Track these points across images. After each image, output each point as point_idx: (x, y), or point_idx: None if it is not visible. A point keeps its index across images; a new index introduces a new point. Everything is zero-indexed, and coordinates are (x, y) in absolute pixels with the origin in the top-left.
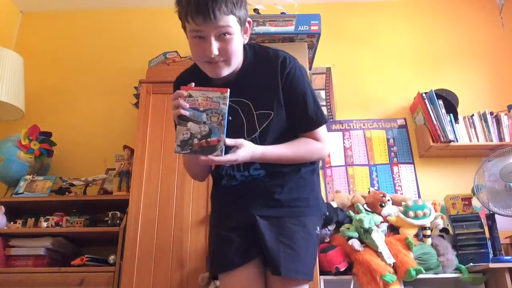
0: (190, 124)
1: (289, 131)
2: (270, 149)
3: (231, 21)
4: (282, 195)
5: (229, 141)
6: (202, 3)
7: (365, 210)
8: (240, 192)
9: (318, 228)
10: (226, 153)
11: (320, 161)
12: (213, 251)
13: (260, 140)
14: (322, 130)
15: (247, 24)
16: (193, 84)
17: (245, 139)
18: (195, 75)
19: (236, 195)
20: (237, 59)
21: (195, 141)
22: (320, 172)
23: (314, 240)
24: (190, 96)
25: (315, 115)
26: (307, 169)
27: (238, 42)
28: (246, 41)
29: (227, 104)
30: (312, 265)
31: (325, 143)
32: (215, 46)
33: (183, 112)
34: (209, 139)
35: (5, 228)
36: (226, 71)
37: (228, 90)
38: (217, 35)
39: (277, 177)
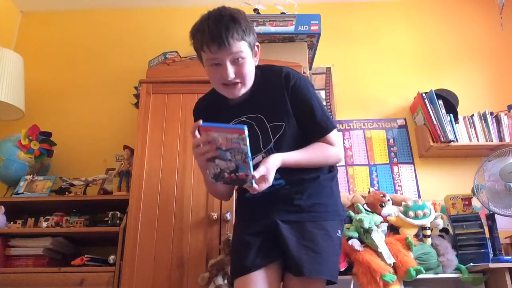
0: (217, 161)
1: (303, 139)
2: (288, 156)
3: (243, 47)
4: (301, 201)
5: (257, 174)
6: (216, 32)
7: (365, 210)
8: (263, 201)
9: (339, 231)
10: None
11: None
12: (233, 256)
13: (276, 150)
14: (333, 136)
15: (256, 48)
16: (200, 121)
17: (261, 150)
18: (212, 101)
19: (259, 204)
20: (251, 80)
21: (226, 174)
22: None
23: (335, 242)
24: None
25: (323, 123)
26: (326, 176)
27: (250, 64)
28: (256, 63)
29: (247, 145)
30: (335, 265)
31: (338, 147)
32: (230, 70)
33: (211, 155)
34: (237, 174)
35: (5, 228)
36: (242, 91)
37: (246, 131)
38: (232, 60)
39: (296, 184)
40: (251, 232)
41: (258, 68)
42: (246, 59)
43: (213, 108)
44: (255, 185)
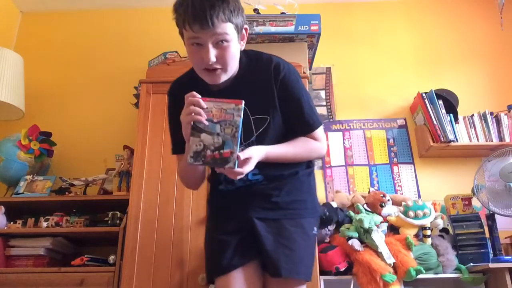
0: (203, 135)
1: (286, 134)
2: (272, 149)
3: (228, 29)
4: (280, 198)
5: (242, 156)
6: (200, 10)
7: (365, 210)
8: (238, 196)
9: (315, 228)
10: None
11: (320, 161)
12: (210, 255)
13: (257, 144)
14: (318, 131)
15: (243, 31)
16: (198, 95)
17: (242, 143)
18: (190, 83)
19: (234, 199)
20: (234, 66)
21: (208, 152)
22: (320, 172)
23: (312, 240)
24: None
25: (311, 119)
26: (304, 172)
27: (235, 49)
28: (243, 48)
29: (241, 116)
30: (311, 265)
31: (323, 142)
32: (212, 53)
33: (198, 118)
34: (222, 151)
35: (5, 228)
36: (223, 78)
37: (243, 102)
38: (215, 42)
39: (274, 180)
40: (227, 231)
41: (245, 53)
42: (231, 42)
43: (192, 91)
44: (237, 169)
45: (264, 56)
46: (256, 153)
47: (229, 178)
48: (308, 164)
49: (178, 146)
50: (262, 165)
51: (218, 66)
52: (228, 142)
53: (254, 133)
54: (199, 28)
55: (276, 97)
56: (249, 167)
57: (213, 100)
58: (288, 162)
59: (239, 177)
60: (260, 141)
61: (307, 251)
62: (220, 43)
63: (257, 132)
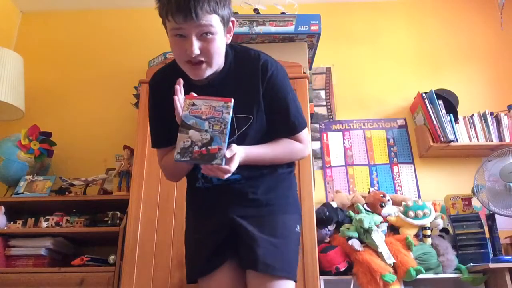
0: (191, 132)
1: (268, 135)
2: (251, 150)
3: (213, 21)
4: (258, 195)
5: (228, 154)
6: (183, 0)
7: (365, 210)
8: (215, 195)
9: (298, 226)
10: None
11: (320, 161)
12: (191, 256)
13: (238, 144)
14: (303, 132)
15: (230, 24)
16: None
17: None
18: (173, 76)
19: (212, 199)
20: (220, 60)
21: (196, 148)
22: (320, 172)
23: (295, 237)
24: (193, 104)
25: (296, 120)
26: (284, 170)
27: (220, 42)
28: (229, 41)
29: (231, 114)
30: (295, 263)
31: (306, 144)
32: (196, 45)
33: (175, 96)
34: (209, 147)
35: (5, 228)
36: (208, 72)
37: (232, 100)
38: (199, 35)
39: (252, 179)
40: (206, 231)
41: (231, 47)
42: (216, 35)
43: (174, 85)
44: (224, 166)
45: (251, 52)
46: (239, 152)
47: (207, 176)
48: (289, 163)
49: (160, 140)
50: (242, 165)
51: (203, 59)
52: (216, 139)
53: (236, 132)
54: (182, 20)
55: (261, 96)
56: (234, 166)
57: (202, 98)
58: (267, 164)
59: (226, 175)
60: (241, 140)
61: (290, 248)
62: (205, 36)
63: (239, 132)
